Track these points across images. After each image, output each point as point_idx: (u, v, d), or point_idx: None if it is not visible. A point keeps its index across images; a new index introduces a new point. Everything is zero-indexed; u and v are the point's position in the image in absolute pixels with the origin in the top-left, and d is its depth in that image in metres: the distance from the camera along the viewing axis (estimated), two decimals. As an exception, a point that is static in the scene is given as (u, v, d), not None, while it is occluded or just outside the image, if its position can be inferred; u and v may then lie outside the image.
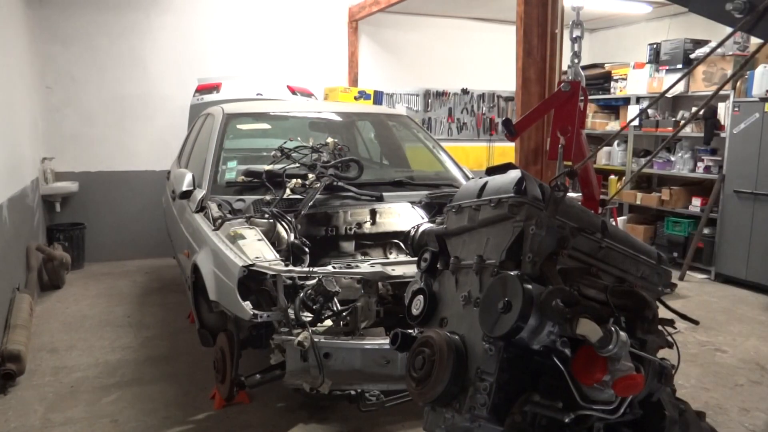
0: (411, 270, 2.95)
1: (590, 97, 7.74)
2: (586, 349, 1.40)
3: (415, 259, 2.99)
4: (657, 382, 1.52)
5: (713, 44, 6.61)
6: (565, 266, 1.56)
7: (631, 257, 1.73)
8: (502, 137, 9.01)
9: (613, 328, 1.37)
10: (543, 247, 1.50)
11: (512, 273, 1.45)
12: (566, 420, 1.42)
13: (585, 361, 1.39)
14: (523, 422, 1.42)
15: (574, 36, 2.97)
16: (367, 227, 3.78)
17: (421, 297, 1.77)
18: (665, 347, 1.66)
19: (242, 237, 3.25)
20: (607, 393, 1.39)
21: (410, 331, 1.75)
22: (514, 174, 1.63)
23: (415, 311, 1.77)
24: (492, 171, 1.76)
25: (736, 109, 6.29)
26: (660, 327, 1.65)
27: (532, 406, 1.42)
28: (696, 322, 1.88)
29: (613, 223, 1.90)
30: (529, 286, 1.40)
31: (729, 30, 1.96)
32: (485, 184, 1.72)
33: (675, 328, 1.71)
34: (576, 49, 2.99)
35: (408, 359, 1.62)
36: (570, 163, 3.13)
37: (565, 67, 3.61)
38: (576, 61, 3.00)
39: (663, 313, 1.74)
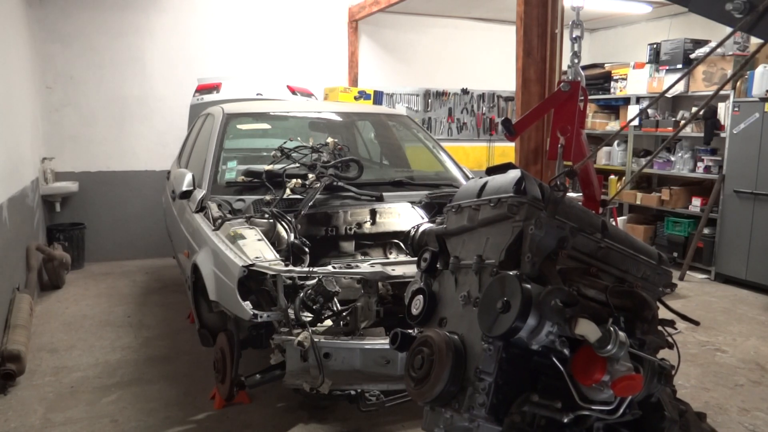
0: (411, 270, 2.95)
1: (590, 97, 7.74)
2: (585, 350, 1.39)
3: (415, 259, 2.99)
4: (656, 382, 1.51)
5: (713, 44, 6.62)
6: (564, 266, 1.56)
7: (631, 257, 1.73)
8: (502, 137, 9.00)
9: (612, 329, 1.36)
10: (542, 247, 1.50)
11: (511, 273, 1.44)
12: (565, 420, 1.41)
13: (584, 361, 1.39)
14: (522, 422, 1.42)
15: (574, 36, 2.96)
16: (367, 227, 3.78)
17: (420, 297, 1.77)
18: (665, 348, 1.66)
19: (242, 237, 3.25)
20: (606, 393, 1.39)
21: (410, 330, 1.75)
22: (514, 174, 1.63)
23: (414, 311, 1.77)
24: (492, 171, 1.76)
25: (736, 109, 6.29)
26: (660, 327, 1.65)
27: (531, 406, 1.42)
28: (696, 323, 1.88)
29: (613, 224, 1.90)
30: (528, 286, 1.39)
31: (729, 30, 1.96)
32: (485, 184, 1.72)
33: (675, 328, 1.71)
34: (576, 49, 2.99)
35: (407, 359, 1.62)
36: (570, 163, 3.13)
37: (565, 67, 3.61)
38: (576, 61, 3.00)
39: (664, 313, 1.74)
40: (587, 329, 1.37)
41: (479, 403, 1.45)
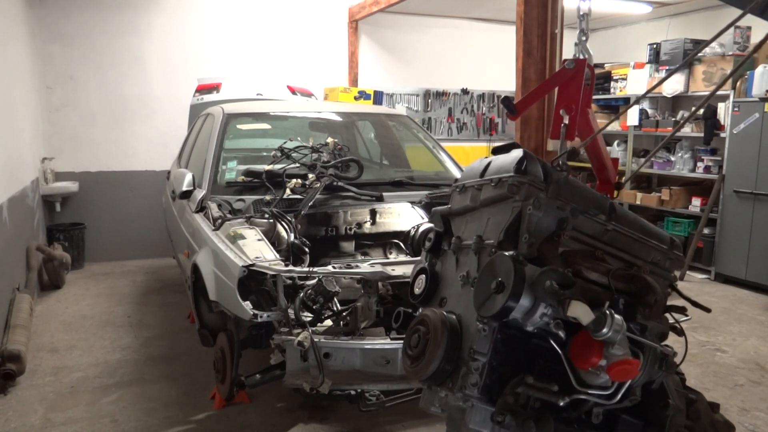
0: (411, 270, 2.95)
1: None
2: (583, 333, 1.37)
3: (415, 259, 2.99)
4: (657, 368, 1.48)
5: (713, 44, 6.61)
6: (568, 248, 1.53)
7: (640, 241, 1.69)
8: (502, 137, 9.03)
9: (607, 312, 1.34)
10: (541, 227, 1.48)
11: (506, 253, 1.42)
12: (561, 404, 1.39)
13: (581, 344, 1.37)
14: (515, 404, 1.39)
15: (581, 13, 2.88)
16: (367, 227, 3.77)
17: (423, 276, 1.76)
18: (671, 334, 1.63)
19: (242, 237, 3.24)
20: (603, 378, 1.37)
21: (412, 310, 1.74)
22: (516, 153, 1.61)
23: (417, 290, 1.76)
24: (497, 151, 1.74)
25: (736, 109, 6.29)
26: (669, 314, 1.62)
27: (525, 388, 1.40)
28: (708, 310, 1.85)
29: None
30: (522, 266, 1.37)
31: (729, 30, 1.94)
32: (489, 163, 1.70)
33: (687, 315, 1.68)
34: (583, 26, 2.90)
35: (405, 337, 1.60)
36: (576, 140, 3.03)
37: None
38: (584, 38, 2.91)
39: (674, 300, 1.71)
40: (580, 311, 1.35)
41: (472, 383, 1.43)
